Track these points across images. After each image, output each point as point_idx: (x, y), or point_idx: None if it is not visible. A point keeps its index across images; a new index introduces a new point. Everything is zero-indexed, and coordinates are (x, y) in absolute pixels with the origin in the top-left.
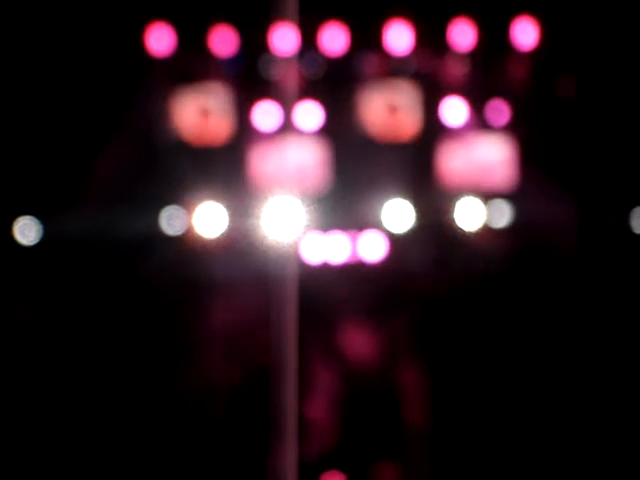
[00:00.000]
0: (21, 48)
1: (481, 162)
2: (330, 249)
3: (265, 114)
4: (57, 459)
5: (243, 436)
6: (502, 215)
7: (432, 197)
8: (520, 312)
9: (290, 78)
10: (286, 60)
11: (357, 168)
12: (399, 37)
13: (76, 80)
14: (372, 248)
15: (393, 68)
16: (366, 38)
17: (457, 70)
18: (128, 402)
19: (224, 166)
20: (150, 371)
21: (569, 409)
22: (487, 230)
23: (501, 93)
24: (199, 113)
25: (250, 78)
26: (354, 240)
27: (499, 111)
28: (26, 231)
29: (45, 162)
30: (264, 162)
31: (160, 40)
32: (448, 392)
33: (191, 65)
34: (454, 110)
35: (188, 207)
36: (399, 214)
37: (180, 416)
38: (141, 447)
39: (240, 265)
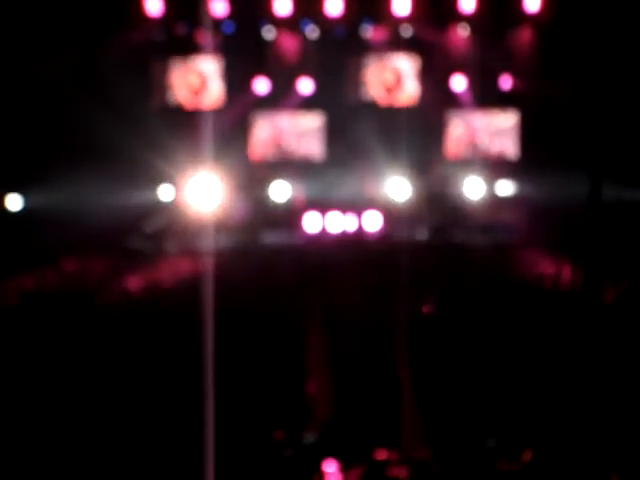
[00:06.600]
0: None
1: (487, 132)
2: (329, 220)
3: (262, 80)
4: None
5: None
6: (508, 186)
7: (436, 167)
8: (523, 284)
9: (289, 44)
10: (285, 26)
11: (356, 136)
12: (402, 4)
13: (65, 47)
14: (372, 220)
15: (395, 35)
16: (368, 5)
17: (461, 38)
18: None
19: (219, 132)
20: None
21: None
22: (493, 200)
23: (507, 62)
24: (195, 78)
25: (248, 44)
26: (355, 212)
27: (506, 80)
28: (15, 201)
29: (41, 134)
30: (260, 129)
31: (155, 4)
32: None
33: (187, 31)
34: (459, 79)
35: (182, 176)
36: (401, 185)
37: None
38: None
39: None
